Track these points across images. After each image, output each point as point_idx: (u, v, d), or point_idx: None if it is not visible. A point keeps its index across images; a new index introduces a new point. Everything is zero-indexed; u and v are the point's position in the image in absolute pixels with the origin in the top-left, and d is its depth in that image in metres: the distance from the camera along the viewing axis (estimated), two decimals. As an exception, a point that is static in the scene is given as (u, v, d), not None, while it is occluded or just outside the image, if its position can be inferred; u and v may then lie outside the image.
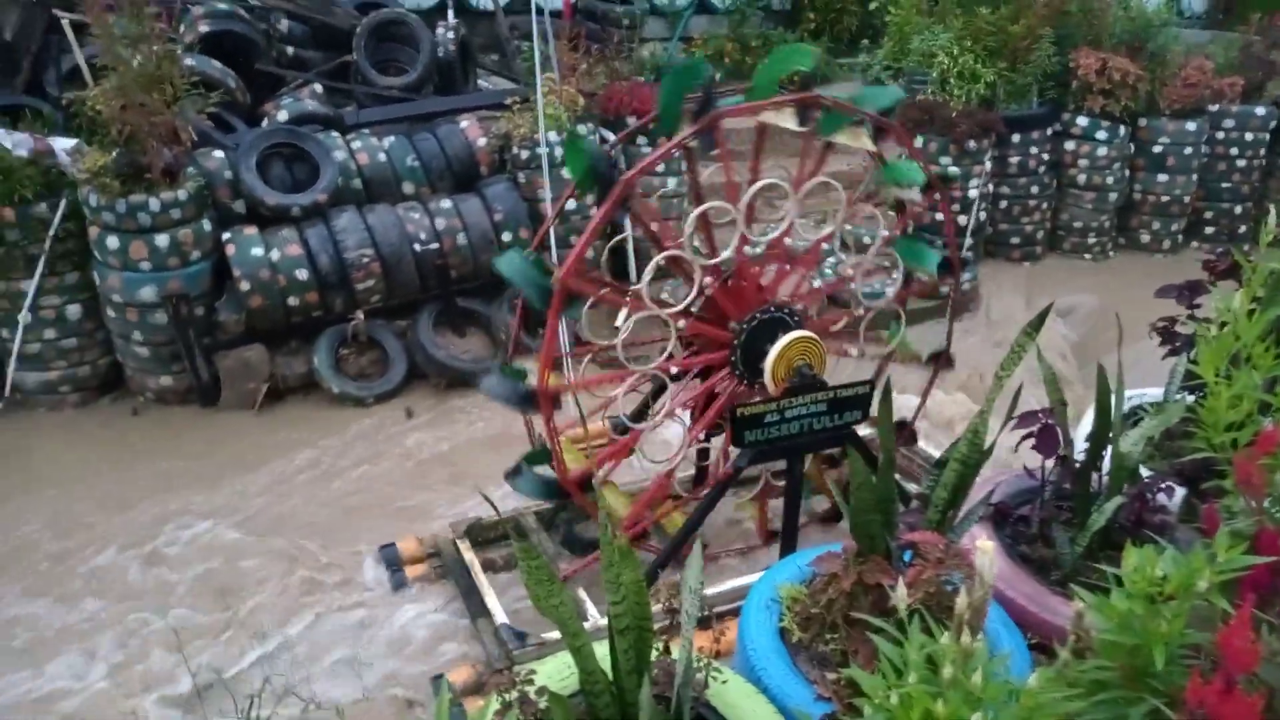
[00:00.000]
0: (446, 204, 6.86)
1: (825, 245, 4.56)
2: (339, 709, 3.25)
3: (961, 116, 8.05)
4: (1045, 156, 8.63)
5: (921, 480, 3.29)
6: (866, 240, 4.50)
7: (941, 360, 4.86)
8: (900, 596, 2.27)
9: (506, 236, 6.93)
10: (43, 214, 6.08)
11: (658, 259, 3.98)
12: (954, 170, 7.91)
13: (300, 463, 5.83)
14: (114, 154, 5.95)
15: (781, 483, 4.70)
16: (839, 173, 5.44)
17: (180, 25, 6.91)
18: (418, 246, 6.64)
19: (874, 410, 3.95)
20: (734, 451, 4.23)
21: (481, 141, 7.18)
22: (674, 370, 4.35)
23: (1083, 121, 8.61)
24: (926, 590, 2.45)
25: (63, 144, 6.19)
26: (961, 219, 8.05)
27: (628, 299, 4.12)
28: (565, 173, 6.98)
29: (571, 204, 6.99)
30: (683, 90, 3.93)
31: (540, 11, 6.49)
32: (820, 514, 4.96)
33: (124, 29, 5.92)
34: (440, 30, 8.12)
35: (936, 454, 5.12)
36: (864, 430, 4.55)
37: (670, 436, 4.88)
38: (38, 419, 6.29)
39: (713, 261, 4.15)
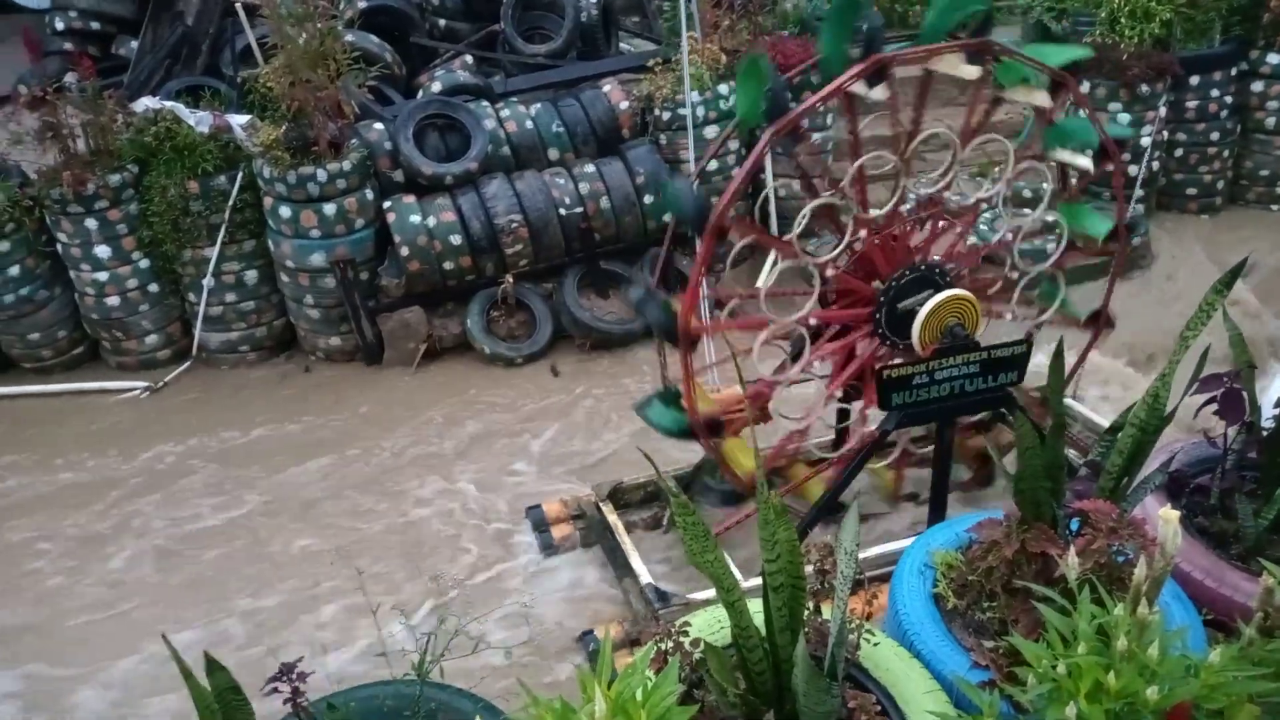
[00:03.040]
0: (590, 168, 6.96)
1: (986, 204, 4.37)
2: (507, 649, 3.45)
3: (1133, 59, 7.46)
4: (1228, 99, 7.91)
5: (1091, 449, 3.13)
6: (1028, 194, 4.27)
7: (1101, 321, 4.58)
8: (1070, 565, 2.20)
9: (648, 199, 6.97)
10: (222, 186, 6.55)
11: (812, 205, 3.90)
12: (1128, 130, 7.35)
13: (457, 419, 6.11)
14: (284, 128, 6.33)
15: (921, 449, 4.59)
16: (999, 123, 5.18)
17: (341, 3, 7.23)
18: (563, 211, 6.77)
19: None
20: (875, 415, 4.15)
21: (624, 105, 7.23)
22: (814, 323, 4.23)
23: (1274, 59, 7.82)
24: (1096, 560, 2.35)
25: (238, 120, 6.64)
26: (1132, 169, 7.51)
27: (782, 244, 4.05)
28: (708, 131, 6.96)
29: (713, 164, 6.99)
30: (846, 31, 3.79)
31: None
32: (960, 484, 4.79)
33: (290, 9, 6.25)
34: (583, -6, 8.18)
35: (1096, 418, 4.90)
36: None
37: (809, 395, 4.83)
38: (221, 375, 6.84)
39: (868, 215, 4.04)
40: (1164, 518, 1.86)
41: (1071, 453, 4.59)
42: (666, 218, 6.66)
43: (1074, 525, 2.65)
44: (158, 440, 6.03)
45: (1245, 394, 3.00)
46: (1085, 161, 4.08)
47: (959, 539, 3.00)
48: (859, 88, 3.83)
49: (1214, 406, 3.01)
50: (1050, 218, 4.32)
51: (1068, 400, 5.07)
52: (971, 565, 2.78)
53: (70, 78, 6.98)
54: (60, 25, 7.84)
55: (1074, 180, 4.33)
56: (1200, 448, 3.28)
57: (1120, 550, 2.41)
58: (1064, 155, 4.12)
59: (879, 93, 3.83)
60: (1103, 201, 4.39)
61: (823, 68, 3.91)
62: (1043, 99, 3.97)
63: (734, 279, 4.21)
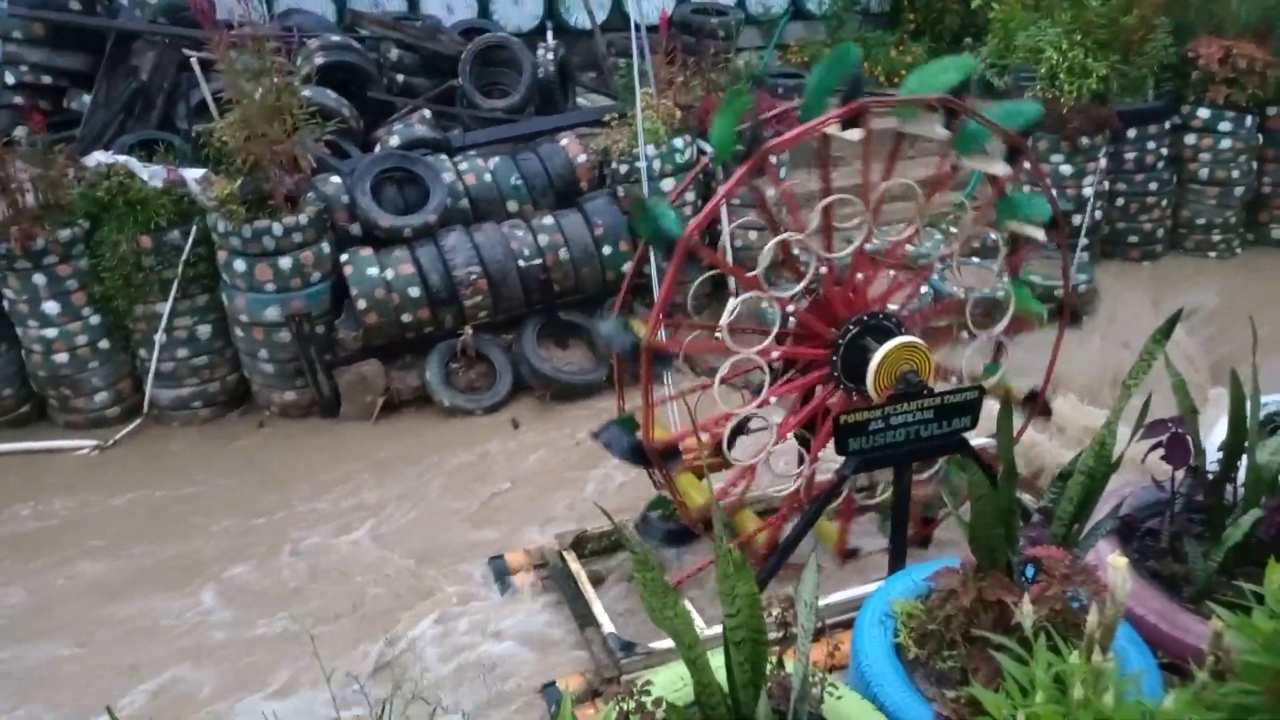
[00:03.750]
0: (549, 220, 7.01)
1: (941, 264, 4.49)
2: (464, 714, 3.37)
3: (1073, 113, 7.76)
4: (1164, 151, 8.25)
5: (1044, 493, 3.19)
6: (974, 243, 4.40)
7: (1037, 405, 4.69)
8: (1025, 614, 2.23)
9: (607, 250, 7.03)
10: (176, 240, 6.48)
11: (776, 241, 3.97)
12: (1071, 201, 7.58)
13: (414, 472, 6.04)
14: (239, 182, 6.31)
15: (868, 500, 4.64)
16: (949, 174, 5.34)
17: (298, 58, 7.27)
18: (522, 262, 6.80)
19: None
20: (827, 463, 4.19)
21: (581, 158, 7.32)
22: (774, 356, 4.26)
23: (1204, 113, 8.19)
24: (1052, 607, 2.39)
25: (193, 174, 6.60)
26: (1076, 218, 7.76)
27: (744, 276, 4.11)
28: (665, 184, 7.06)
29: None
30: (835, 77, 3.91)
31: (637, 28, 6.59)
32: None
33: (247, 64, 6.27)
34: (540, 51, 8.32)
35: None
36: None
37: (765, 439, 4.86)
38: (173, 432, 6.69)
39: (832, 256, 4.12)
40: (1113, 565, 1.90)
41: (1028, 497, 4.67)
42: (627, 268, 6.74)
43: (1029, 572, 2.69)
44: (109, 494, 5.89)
45: (1189, 439, 3.08)
46: (1037, 233, 4.22)
47: (918, 587, 3.02)
48: (835, 130, 3.94)
49: (1161, 451, 3.07)
50: (1000, 292, 4.44)
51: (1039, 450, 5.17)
52: (931, 614, 2.80)
53: (20, 131, 6.91)
54: (10, 79, 7.76)
55: (1022, 252, 4.46)
56: (1149, 491, 3.35)
57: (1075, 596, 2.44)
58: (1014, 226, 4.26)
59: (854, 134, 3.94)
60: (1050, 251, 4.51)
61: (805, 110, 4.00)
62: (1000, 169, 4.10)
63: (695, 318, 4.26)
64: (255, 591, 5.04)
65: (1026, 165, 4.23)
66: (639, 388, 4.08)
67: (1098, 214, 8.09)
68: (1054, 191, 6.89)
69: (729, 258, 7.04)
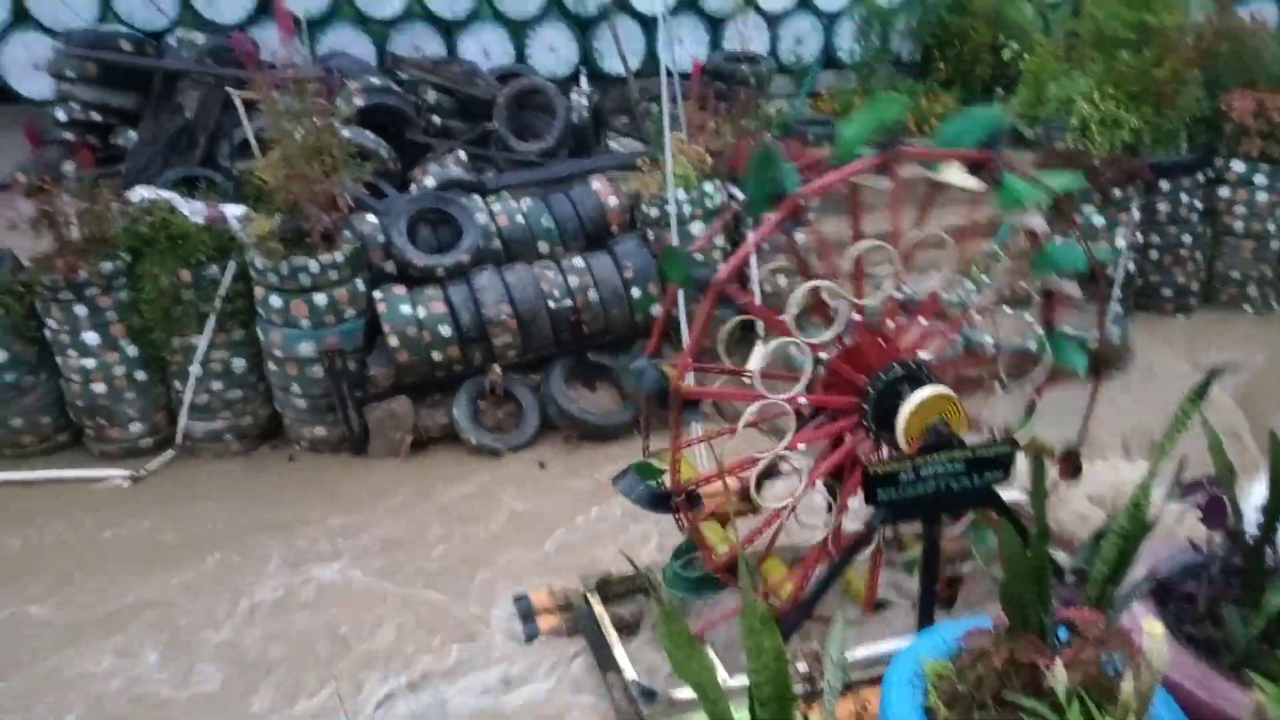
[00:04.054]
0: (579, 262, 7.08)
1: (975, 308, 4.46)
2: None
3: (1104, 164, 7.75)
4: (1197, 204, 8.21)
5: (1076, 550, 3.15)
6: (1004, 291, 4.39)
7: (1070, 463, 4.64)
8: (1058, 678, 2.19)
9: (636, 292, 7.08)
10: (214, 275, 6.60)
11: (808, 286, 3.98)
12: (1109, 253, 7.56)
13: (439, 510, 6.06)
14: (278, 220, 6.43)
15: (895, 553, 4.60)
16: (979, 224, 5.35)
17: (338, 100, 7.44)
18: (552, 303, 6.86)
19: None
20: (862, 510, 4.16)
21: (612, 201, 7.40)
22: (803, 402, 4.23)
23: (1239, 166, 8.15)
24: (1085, 671, 2.34)
25: (233, 211, 6.75)
26: (1108, 270, 7.72)
27: (778, 321, 4.11)
28: (693, 228, 7.12)
29: (699, 257, 7.13)
30: (878, 123, 3.94)
31: (669, 74, 6.69)
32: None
33: (289, 105, 6.43)
34: (574, 96, 8.46)
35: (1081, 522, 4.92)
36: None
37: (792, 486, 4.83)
38: (204, 465, 6.76)
39: (864, 302, 4.12)
40: (1149, 631, 1.87)
41: (1061, 555, 4.59)
42: (655, 310, 6.79)
43: (1062, 634, 2.64)
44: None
45: (1227, 500, 3.03)
46: (1073, 289, 4.21)
47: (948, 646, 2.97)
48: (868, 179, 3.96)
49: (1198, 513, 3.03)
50: (1032, 344, 4.43)
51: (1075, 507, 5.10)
52: (961, 675, 2.75)
53: (69, 166, 7.11)
54: (62, 116, 8.00)
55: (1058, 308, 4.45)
56: (1186, 553, 3.29)
57: (1109, 661, 2.40)
58: (1051, 281, 4.26)
59: (884, 183, 3.96)
60: (1084, 303, 4.49)
61: (838, 156, 4.02)
62: (1038, 224, 4.11)
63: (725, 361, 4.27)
64: (273, 620, 5.05)
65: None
66: (666, 430, 4.09)
67: (1130, 266, 8.04)
68: (1086, 243, 6.87)
69: (757, 298, 7.07)
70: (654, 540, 5.38)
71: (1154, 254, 8.27)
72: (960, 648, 2.86)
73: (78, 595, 5.34)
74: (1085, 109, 7.96)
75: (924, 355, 4.30)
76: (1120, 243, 7.81)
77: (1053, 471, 4.55)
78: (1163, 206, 8.13)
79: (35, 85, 8.65)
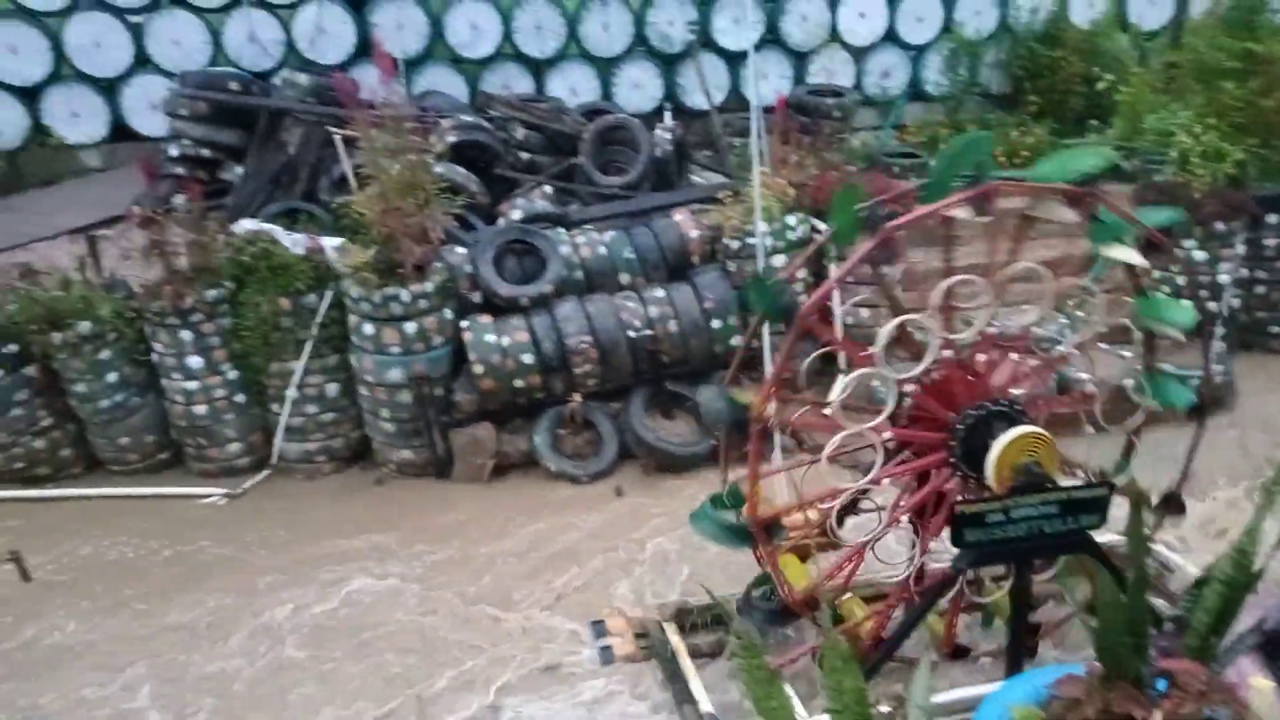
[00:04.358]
0: (660, 293, 7.15)
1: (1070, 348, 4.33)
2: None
3: (1206, 197, 7.48)
4: (1308, 238, 7.83)
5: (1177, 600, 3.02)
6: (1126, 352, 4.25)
7: (1171, 505, 4.45)
8: (1156, 727, 2.10)
9: (716, 324, 7.09)
10: (312, 304, 6.89)
11: (897, 321, 3.93)
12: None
13: (521, 534, 6.14)
14: (373, 252, 6.68)
15: (979, 596, 4.45)
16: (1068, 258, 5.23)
17: (432, 136, 7.71)
18: (632, 333, 6.93)
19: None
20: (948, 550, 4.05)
21: (694, 233, 7.46)
22: (887, 436, 4.13)
23: (1353, 199, 7.76)
24: (1185, 723, 2.24)
25: (331, 243, 7.04)
26: (1211, 305, 7.41)
27: (860, 353, 4.07)
28: (776, 260, 7.11)
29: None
30: (963, 160, 3.91)
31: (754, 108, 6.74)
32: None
33: (386, 142, 6.70)
34: (658, 131, 8.58)
35: (1190, 568, 4.70)
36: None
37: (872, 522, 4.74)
38: (297, 485, 7.01)
39: (955, 337, 4.06)
40: (1256, 687, 1.78)
41: (1160, 602, 4.40)
42: (736, 341, 6.79)
43: (1161, 685, 2.53)
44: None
45: (1341, 548, 2.87)
46: (1176, 333, 4.07)
47: (1038, 693, 2.87)
48: (961, 212, 3.92)
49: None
50: (1131, 382, 4.28)
51: (1158, 548, 4.90)
52: (1052, 721, 2.66)
53: (179, 199, 7.52)
54: (175, 152, 8.47)
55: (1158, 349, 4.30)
56: (1296, 603, 3.12)
57: (1212, 716, 2.29)
58: (1155, 327, 4.13)
59: (978, 216, 3.91)
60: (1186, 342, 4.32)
61: (930, 190, 3.99)
62: (1137, 259, 3.99)
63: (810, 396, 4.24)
64: (354, 636, 5.18)
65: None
66: (745, 465, 4.06)
67: (1235, 302, 7.71)
68: (1185, 279, 6.60)
69: (839, 326, 7.00)
70: (730, 570, 5.33)
71: (1261, 290, 7.91)
72: (1051, 695, 2.76)
73: (165, 605, 5.57)
74: (1185, 141, 7.70)
75: (1016, 393, 4.19)
76: (1224, 278, 7.50)
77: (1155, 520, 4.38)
78: (1271, 241, 7.78)
79: (152, 123, 9.20)
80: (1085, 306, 4.18)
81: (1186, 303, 4.06)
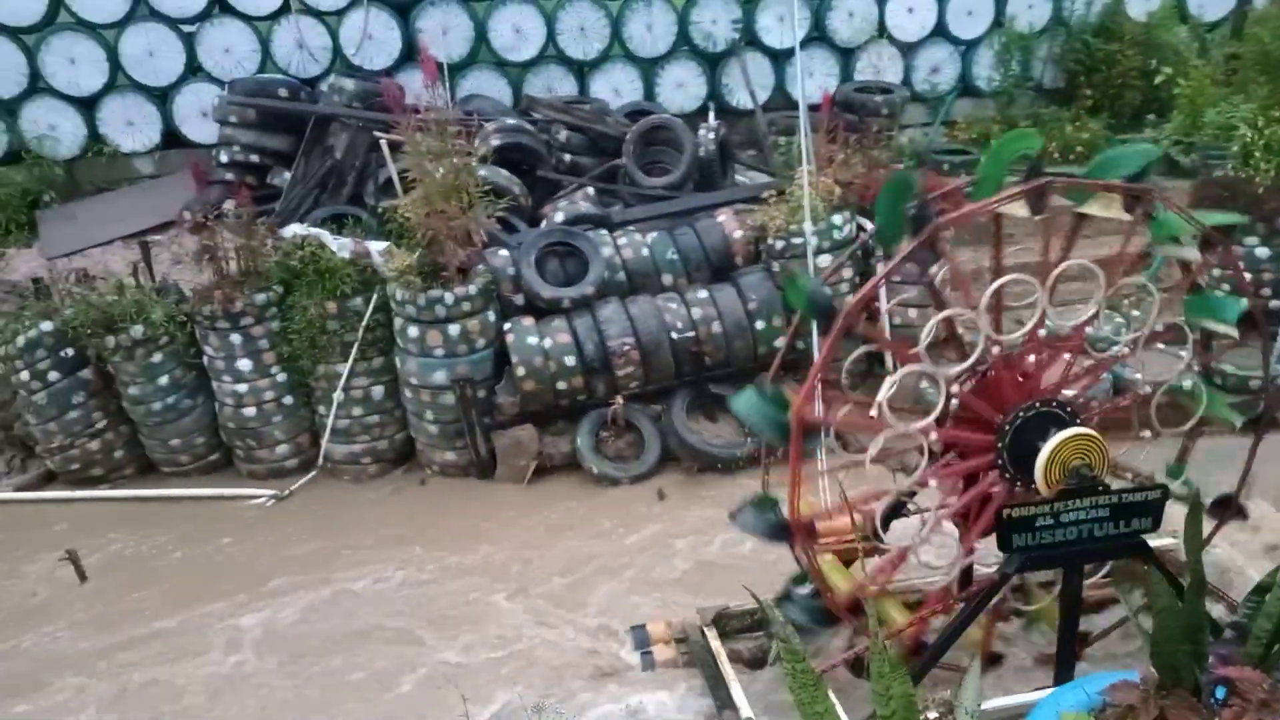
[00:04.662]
0: (703, 294, 7.09)
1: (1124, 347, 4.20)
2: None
3: (1270, 193, 7.21)
4: (1377, 233, 7.51)
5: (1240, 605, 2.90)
6: (1183, 352, 4.11)
7: (1231, 509, 4.28)
8: (1220, 747, 2.00)
9: (760, 325, 7.02)
10: (358, 307, 6.96)
11: (941, 316, 3.85)
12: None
13: (562, 535, 6.13)
14: (418, 255, 6.73)
15: (1021, 603, 4.33)
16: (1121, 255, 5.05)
17: (476, 140, 7.74)
18: (674, 335, 6.89)
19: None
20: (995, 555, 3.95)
21: (738, 234, 7.40)
22: (933, 437, 4.02)
23: None
24: (1250, 740, 2.13)
25: (377, 246, 7.10)
26: (1274, 303, 7.15)
27: (906, 352, 3.99)
28: (823, 260, 7.01)
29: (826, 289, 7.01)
30: (1009, 156, 3.84)
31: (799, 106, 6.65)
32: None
33: (430, 146, 6.74)
34: (701, 131, 8.52)
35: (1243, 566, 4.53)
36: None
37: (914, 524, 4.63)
38: (343, 486, 7.10)
39: (1004, 337, 3.96)
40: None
41: (1219, 609, 4.24)
42: (779, 343, 6.70)
43: (1220, 693, 2.42)
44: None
45: None
46: (1230, 330, 3.94)
47: (1089, 700, 2.77)
48: (1015, 209, 3.82)
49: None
50: (1187, 384, 4.14)
51: (1218, 553, 4.73)
52: (1107, 734, 2.56)
53: (229, 205, 7.65)
54: (225, 158, 8.63)
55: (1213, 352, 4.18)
56: (1368, 616, 2.96)
57: (1279, 731, 2.18)
58: (1207, 324, 4.00)
59: (1032, 214, 3.82)
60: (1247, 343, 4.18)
61: (979, 187, 3.91)
62: (1192, 255, 3.87)
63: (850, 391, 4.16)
64: (396, 634, 5.21)
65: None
66: (787, 465, 3.99)
67: (1300, 301, 7.42)
68: (1249, 276, 6.39)
69: (886, 330, 6.88)
70: (772, 572, 5.25)
71: (1327, 288, 7.61)
72: (1104, 702, 2.67)
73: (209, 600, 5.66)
74: (1248, 135, 7.44)
75: (1068, 394, 4.07)
76: (1288, 276, 7.23)
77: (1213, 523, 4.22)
78: (1338, 237, 7.48)
79: (203, 130, 9.38)
80: (1142, 305, 4.05)
81: (1240, 299, 3.92)
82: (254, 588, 5.82)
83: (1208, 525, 4.27)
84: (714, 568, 5.65)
